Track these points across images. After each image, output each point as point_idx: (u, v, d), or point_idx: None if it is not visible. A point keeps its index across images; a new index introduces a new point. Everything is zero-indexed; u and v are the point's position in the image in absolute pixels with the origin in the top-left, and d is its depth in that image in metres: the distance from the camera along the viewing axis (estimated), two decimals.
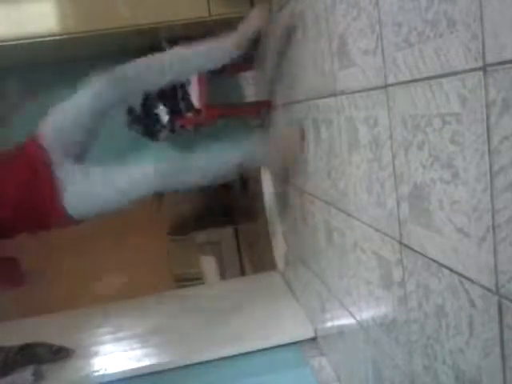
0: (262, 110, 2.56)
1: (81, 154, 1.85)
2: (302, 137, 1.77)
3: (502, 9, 0.63)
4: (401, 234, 1.04)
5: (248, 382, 1.93)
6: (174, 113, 2.35)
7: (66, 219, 1.75)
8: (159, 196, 4.16)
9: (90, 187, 1.77)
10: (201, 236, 3.76)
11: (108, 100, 1.79)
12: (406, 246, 1.02)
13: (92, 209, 1.78)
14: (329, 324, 1.84)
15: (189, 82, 2.31)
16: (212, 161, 1.87)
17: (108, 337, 2.33)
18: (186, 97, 2.32)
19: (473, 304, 0.79)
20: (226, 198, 4.76)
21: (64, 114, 1.83)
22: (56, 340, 2.18)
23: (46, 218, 1.76)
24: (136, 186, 1.77)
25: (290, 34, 1.79)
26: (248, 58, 2.69)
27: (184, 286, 3.18)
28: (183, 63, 1.89)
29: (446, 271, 0.86)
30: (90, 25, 2.02)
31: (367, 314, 1.35)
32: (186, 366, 2.01)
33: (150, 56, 1.85)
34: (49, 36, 2.01)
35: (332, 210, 1.54)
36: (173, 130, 2.50)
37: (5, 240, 1.81)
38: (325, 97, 1.45)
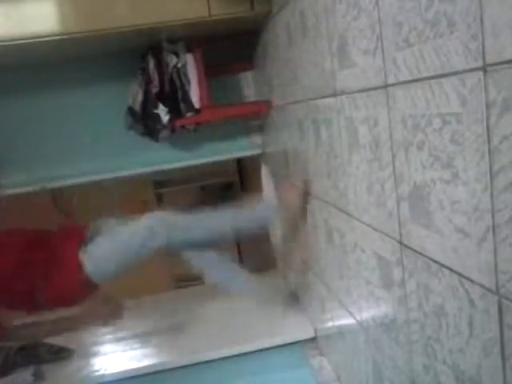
0: (261, 110, 2.56)
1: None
2: (305, 194, 1.81)
3: (502, 9, 0.63)
4: (401, 234, 1.04)
5: (248, 382, 1.93)
6: (174, 113, 2.35)
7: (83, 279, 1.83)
8: (159, 196, 4.15)
9: (101, 250, 1.89)
10: None
11: (158, 242, 1.84)
12: (406, 246, 1.02)
13: (107, 270, 1.88)
14: (329, 324, 1.84)
15: (189, 82, 2.31)
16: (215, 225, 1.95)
17: (108, 337, 2.33)
18: (186, 97, 2.32)
19: (473, 304, 0.79)
20: (226, 198, 4.75)
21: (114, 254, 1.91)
22: (56, 340, 2.18)
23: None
24: (137, 243, 1.85)
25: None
26: (248, 58, 2.69)
27: (183, 286, 3.18)
28: (229, 228, 1.97)
29: (446, 271, 0.86)
30: (90, 25, 2.02)
31: (367, 313, 1.35)
32: (186, 366, 2.01)
33: (202, 215, 1.94)
34: (49, 36, 2.00)
35: (332, 209, 1.54)
36: (173, 130, 2.50)
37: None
38: (325, 97, 1.45)
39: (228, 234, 1.97)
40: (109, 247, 1.88)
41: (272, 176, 2.52)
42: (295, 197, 1.86)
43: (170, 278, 3.66)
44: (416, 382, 1.08)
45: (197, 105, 2.31)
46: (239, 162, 4.15)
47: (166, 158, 2.69)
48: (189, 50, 2.32)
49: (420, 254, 0.96)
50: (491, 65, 0.66)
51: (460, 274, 0.82)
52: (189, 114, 2.33)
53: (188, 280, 3.34)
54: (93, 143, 2.65)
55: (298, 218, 1.91)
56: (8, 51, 2.07)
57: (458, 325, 0.85)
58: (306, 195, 1.82)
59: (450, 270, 0.85)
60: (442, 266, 0.88)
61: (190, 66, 2.31)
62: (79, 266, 1.81)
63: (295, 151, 1.99)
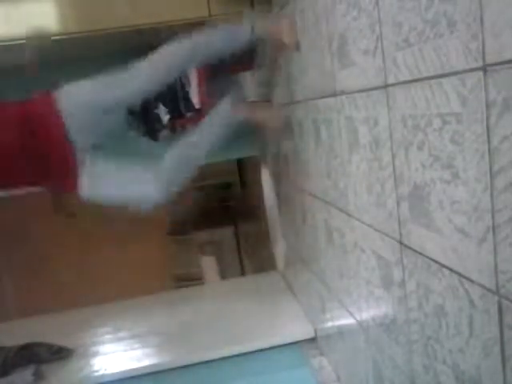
0: None
1: (98, 141, 1.81)
2: (292, 28, 1.72)
3: (502, 9, 0.63)
4: (401, 234, 1.04)
5: (248, 382, 1.93)
6: (174, 113, 2.35)
7: (75, 193, 1.74)
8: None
9: (105, 176, 1.78)
10: (201, 236, 3.76)
11: (155, 83, 1.77)
12: (406, 246, 1.02)
13: (102, 196, 1.77)
14: (329, 324, 1.84)
15: (189, 82, 2.31)
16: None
17: (108, 337, 2.33)
18: (186, 97, 2.32)
19: (473, 304, 0.79)
20: (226, 198, 4.76)
21: (100, 92, 1.80)
22: (56, 340, 2.19)
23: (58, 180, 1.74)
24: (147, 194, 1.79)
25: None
26: (248, 58, 2.69)
27: (184, 286, 3.18)
28: (207, 46, 1.86)
29: (446, 271, 0.86)
30: (90, 25, 2.02)
31: (367, 314, 1.35)
32: (186, 366, 2.01)
33: (174, 43, 1.83)
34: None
35: (332, 209, 1.54)
36: (173, 130, 2.50)
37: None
38: (325, 97, 1.45)
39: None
40: (113, 177, 1.80)
41: (272, 176, 2.52)
42: (287, 31, 1.75)
43: (169, 278, 3.67)
44: (416, 382, 1.08)
45: (197, 105, 2.31)
46: (239, 161, 4.16)
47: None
48: None
49: (420, 254, 0.96)
50: (491, 65, 0.66)
51: (460, 274, 0.82)
52: (189, 114, 2.33)
53: (188, 280, 3.35)
54: None
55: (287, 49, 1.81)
56: (8, 51, 2.08)
57: (457, 325, 0.85)
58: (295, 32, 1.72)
59: (450, 270, 0.85)
60: (442, 265, 0.88)
61: None
62: (75, 182, 1.71)
63: (295, 151, 1.99)
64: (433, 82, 0.82)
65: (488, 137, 0.69)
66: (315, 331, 2.06)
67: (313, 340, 2.06)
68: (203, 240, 3.77)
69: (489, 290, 0.74)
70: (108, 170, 1.79)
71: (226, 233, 4.15)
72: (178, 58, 1.85)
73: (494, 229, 0.71)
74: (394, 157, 1.02)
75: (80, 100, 1.76)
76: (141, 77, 1.78)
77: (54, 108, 1.69)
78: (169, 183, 1.82)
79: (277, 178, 2.42)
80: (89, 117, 1.74)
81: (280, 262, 2.78)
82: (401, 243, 1.04)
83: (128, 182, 1.82)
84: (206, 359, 2.02)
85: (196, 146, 1.94)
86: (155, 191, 1.79)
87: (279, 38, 1.78)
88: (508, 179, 0.66)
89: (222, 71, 2.66)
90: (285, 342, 2.06)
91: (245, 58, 2.57)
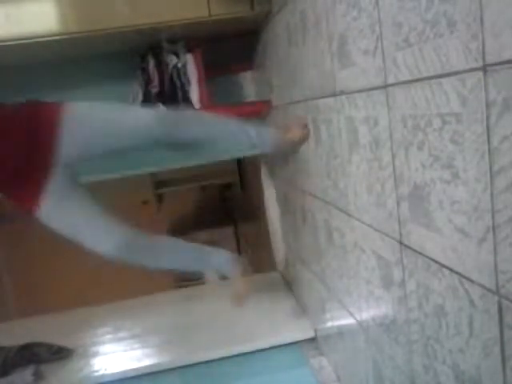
0: (262, 110, 2.56)
1: (78, 164, 1.75)
2: (305, 126, 1.75)
3: (502, 9, 0.63)
4: (401, 234, 1.04)
5: (248, 382, 1.93)
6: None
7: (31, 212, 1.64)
8: (159, 196, 4.16)
9: (66, 210, 1.70)
10: (201, 236, 3.76)
11: (157, 133, 1.73)
12: (406, 246, 1.02)
13: (57, 227, 1.69)
14: (329, 324, 1.84)
15: (189, 82, 2.31)
16: (215, 124, 1.85)
17: (108, 337, 2.33)
18: (186, 97, 2.32)
19: (473, 304, 0.79)
20: (226, 198, 4.76)
21: (107, 120, 1.75)
22: (56, 340, 2.19)
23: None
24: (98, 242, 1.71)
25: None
26: (248, 58, 2.69)
27: (184, 286, 3.18)
28: (217, 129, 1.88)
29: (446, 271, 0.86)
30: (90, 25, 2.02)
31: (367, 314, 1.35)
32: (186, 366, 2.01)
33: (194, 112, 1.87)
34: (49, 36, 2.00)
35: (332, 209, 1.54)
36: None
37: None
38: (325, 97, 1.45)
39: (227, 137, 1.89)
40: (102, 115, 1.71)
41: (272, 176, 2.52)
42: (298, 128, 1.77)
43: (170, 277, 3.67)
44: (416, 381, 1.08)
45: (197, 105, 2.31)
46: (239, 161, 4.16)
47: (166, 158, 2.69)
48: (189, 50, 2.32)
49: (420, 253, 0.96)
50: (491, 65, 0.66)
51: (460, 274, 0.82)
52: None
53: (188, 280, 3.34)
54: None
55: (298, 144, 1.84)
56: (8, 51, 2.08)
57: (457, 325, 0.85)
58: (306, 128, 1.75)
59: (450, 270, 0.85)
60: (442, 265, 0.88)
61: (190, 66, 2.31)
62: (35, 201, 1.61)
63: (295, 151, 1.99)
64: (433, 81, 0.82)
65: (488, 137, 0.69)
66: (315, 331, 2.06)
67: (313, 340, 2.06)
68: (203, 240, 3.77)
69: (489, 289, 0.74)
70: (71, 206, 1.70)
71: (226, 233, 4.15)
72: (192, 127, 1.85)
73: (494, 229, 0.71)
74: (394, 157, 1.02)
75: (85, 122, 1.71)
76: (152, 129, 1.74)
77: (59, 116, 1.66)
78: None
79: (277, 178, 2.42)
80: (86, 140, 1.70)
81: (280, 262, 2.78)
82: (401, 243, 1.04)
83: (85, 227, 1.72)
84: (206, 359, 2.02)
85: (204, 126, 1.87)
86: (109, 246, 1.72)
87: (292, 140, 1.82)
88: (508, 179, 0.66)
89: (222, 71, 2.66)
90: (285, 342, 2.06)
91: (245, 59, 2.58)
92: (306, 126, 1.74)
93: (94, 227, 1.73)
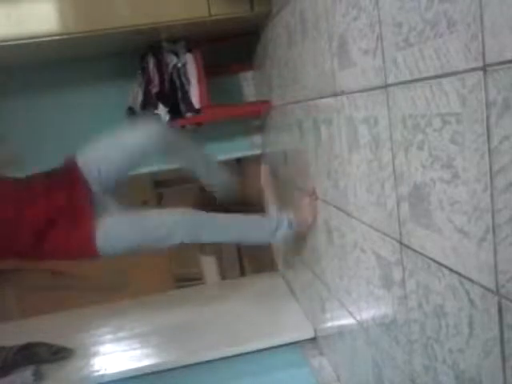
0: (262, 110, 2.56)
1: (112, 191, 1.90)
2: (314, 197, 1.77)
3: (502, 9, 0.63)
4: (401, 234, 1.04)
5: (248, 382, 1.93)
6: (174, 113, 2.35)
7: (92, 251, 1.74)
8: (159, 196, 4.16)
9: (120, 227, 1.80)
10: None
11: (180, 239, 1.80)
12: (406, 246, 1.02)
13: (117, 249, 1.78)
14: (329, 324, 1.84)
15: (189, 82, 2.31)
16: (236, 228, 1.92)
17: (108, 337, 2.33)
18: (186, 97, 2.32)
19: (473, 304, 0.79)
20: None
21: (113, 148, 1.91)
22: (56, 340, 2.18)
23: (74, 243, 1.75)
24: (161, 235, 1.79)
25: None
26: (248, 58, 2.69)
27: (184, 286, 3.18)
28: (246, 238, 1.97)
29: (446, 271, 0.86)
30: (89, 25, 2.02)
31: (367, 314, 1.35)
32: (186, 366, 2.01)
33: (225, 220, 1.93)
34: (49, 36, 2.00)
35: (332, 209, 1.54)
36: None
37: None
38: (325, 97, 1.45)
39: (243, 241, 2.01)
40: (128, 227, 1.80)
41: (272, 176, 2.52)
42: (310, 211, 1.81)
43: (170, 277, 3.66)
44: (416, 381, 1.08)
45: (197, 105, 2.31)
46: (239, 161, 4.15)
47: (166, 158, 2.69)
48: (189, 50, 2.32)
49: (420, 253, 0.96)
50: (491, 65, 0.66)
51: (460, 274, 0.82)
52: (189, 114, 2.33)
53: (188, 280, 3.34)
54: None
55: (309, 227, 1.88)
56: (8, 51, 2.07)
57: (457, 325, 0.85)
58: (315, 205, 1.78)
59: (450, 270, 0.85)
60: (442, 265, 0.88)
61: (190, 65, 2.31)
62: (90, 236, 1.72)
63: (295, 151, 1.99)
64: (433, 81, 0.82)
65: (488, 137, 0.69)
66: (315, 331, 2.06)
67: (313, 340, 2.06)
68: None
69: (489, 290, 0.74)
70: (119, 219, 1.82)
71: None
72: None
73: (494, 229, 0.71)
74: (393, 157, 1.02)
75: (97, 161, 1.87)
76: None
77: (78, 173, 1.82)
78: None
79: (276, 178, 2.42)
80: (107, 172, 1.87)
81: (280, 262, 2.78)
82: (401, 243, 1.04)
83: (141, 226, 1.82)
84: (206, 359, 2.02)
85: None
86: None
87: (305, 222, 1.87)
88: (508, 179, 0.66)
89: (222, 71, 2.66)
90: (285, 342, 2.06)
91: (245, 59, 2.58)
92: (314, 195, 1.76)
93: (152, 225, 1.81)
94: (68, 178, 1.81)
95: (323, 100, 1.48)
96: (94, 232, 1.72)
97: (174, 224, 1.79)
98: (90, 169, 1.83)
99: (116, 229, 1.78)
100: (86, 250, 1.73)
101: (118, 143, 1.92)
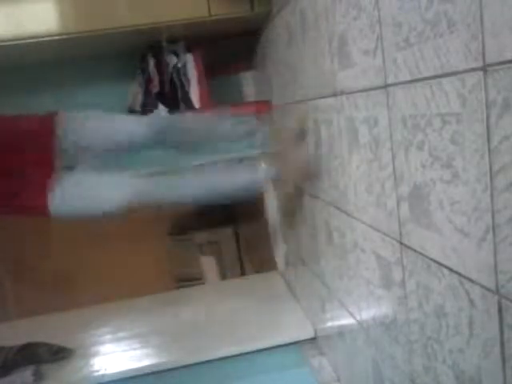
0: (262, 110, 2.55)
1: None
2: (302, 137, 1.75)
3: (502, 9, 0.63)
4: (401, 234, 1.04)
5: (248, 382, 1.93)
6: (174, 113, 2.35)
7: (44, 211, 1.70)
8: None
9: (74, 192, 1.75)
10: (201, 236, 3.75)
11: (153, 135, 1.82)
12: (406, 246, 1.02)
13: (71, 212, 1.74)
14: (329, 324, 1.84)
15: (189, 82, 2.31)
16: (203, 183, 1.89)
17: (108, 337, 2.33)
18: (186, 97, 2.32)
19: (473, 304, 0.79)
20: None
21: (109, 125, 1.89)
22: (56, 340, 2.18)
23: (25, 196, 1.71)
24: (110, 197, 1.76)
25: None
26: (248, 58, 2.69)
27: (184, 286, 3.18)
28: (214, 131, 1.96)
29: (446, 271, 0.86)
30: (89, 25, 2.02)
31: (367, 313, 1.35)
32: (186, 366, 2.01)
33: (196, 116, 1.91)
34: (49, 36, 2.01)
35: (332, 209, 1.54)
36: None
37: None
38: (325, 97, 1.45)
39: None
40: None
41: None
42: (299, 167, 1.78)
43: (170, 278, 3.66)
44: (416, 381, 1.08)
45: (197, 105, 2.31)
46: (239, 161, 4.15)
47: (166, 158, 2.69)
48: (189, 50, 2.33)
49: (420, 253, 0.96)
50: (491, 65, 0.66)
51: (460, 274, 0.82)
52: None
53: (188, 280, 3.34)
54: None
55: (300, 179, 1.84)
56: (8, 51, 2.08)
57: (457, 325, 0.85)
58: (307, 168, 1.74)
59: (450, 270, 0.85)
60: (442, 265, 0.88)
61: (190, 66, 2.32)
62: (44, 193, 1.68)
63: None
64: (433, 81, 0.82)
65: (488, 137, 0.69)
66: (315, 331, 2.06)
67: (313, 340, 2.06)
68: (203, 240, 3.76)
69: (489, 289, 0.74)
70: (81, 179, 1.77)
71: (225, 233, 4.14)
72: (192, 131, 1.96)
73: (494, 229, 0.71)
74: (393, 157, 1.02)
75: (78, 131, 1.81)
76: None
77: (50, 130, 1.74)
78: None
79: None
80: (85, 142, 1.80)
81: (280, 262, 2.78)
82: (401, 243, 1.04)
83: (100, 185, 1.79)
84: (206, 359, 2.02)
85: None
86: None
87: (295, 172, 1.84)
88: (508, 179, 0.66)
89: (222, 71, 2.66)
90: (285, 342, 2.06)
91: (245, 59, 2.58)
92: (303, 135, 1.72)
93: (106, 181, 1.79)
94: (39, 130, 1.76)
95: (323, 100, 1.48)
96: (50, 188, 1.68)
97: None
98: (66, 126, 1.77)
99: (73, 189, 1.75)
100: (37, 205, 1.70)
101: (109, 118, 1.90)
